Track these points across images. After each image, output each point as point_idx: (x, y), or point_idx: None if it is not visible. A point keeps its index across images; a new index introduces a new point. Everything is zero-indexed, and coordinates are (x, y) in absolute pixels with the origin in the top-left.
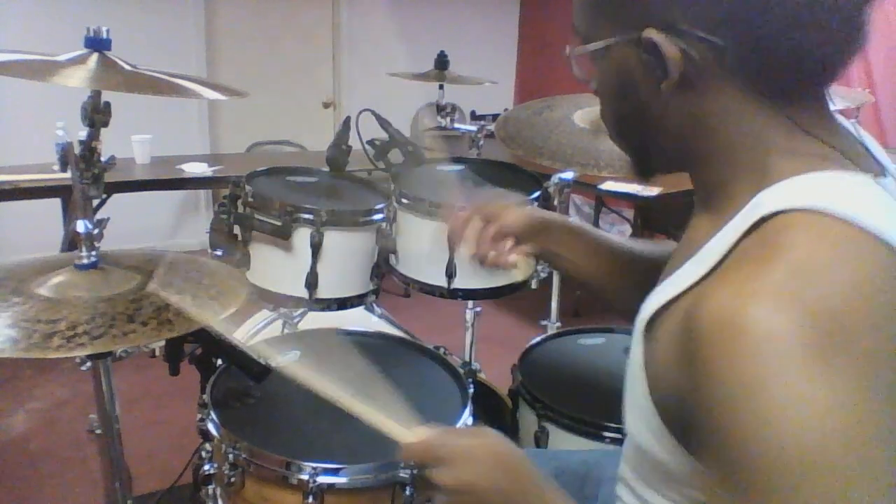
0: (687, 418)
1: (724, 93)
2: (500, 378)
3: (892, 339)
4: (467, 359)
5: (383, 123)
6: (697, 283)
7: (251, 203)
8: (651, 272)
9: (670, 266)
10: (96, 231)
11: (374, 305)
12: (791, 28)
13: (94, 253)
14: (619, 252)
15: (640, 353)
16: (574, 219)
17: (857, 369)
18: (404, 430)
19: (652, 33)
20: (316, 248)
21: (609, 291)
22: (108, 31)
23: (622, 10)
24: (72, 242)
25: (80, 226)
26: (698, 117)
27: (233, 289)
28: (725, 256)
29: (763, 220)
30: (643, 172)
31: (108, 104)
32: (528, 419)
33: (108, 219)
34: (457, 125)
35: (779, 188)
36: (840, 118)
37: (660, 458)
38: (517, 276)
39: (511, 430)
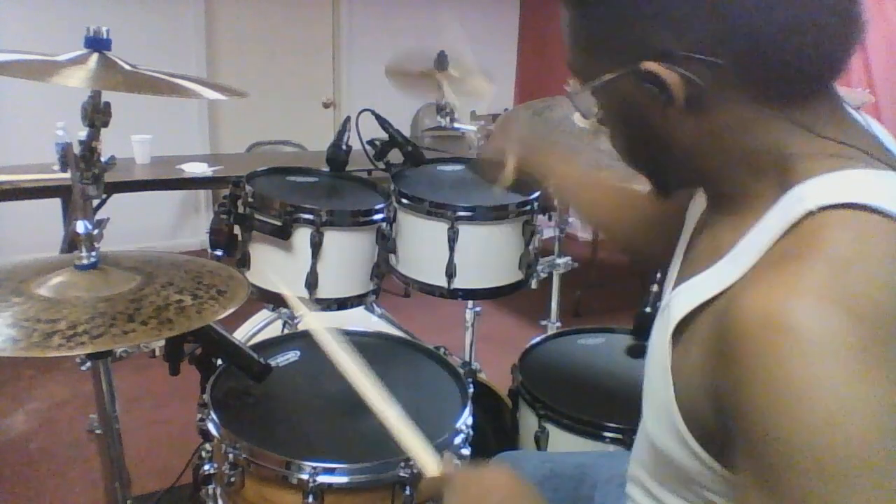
0: (716, 423)
1: (732, 107)
2: (500, 378)
3: None
4: (467, 359)
5: (383, 123)
6: (736, 283)
7: (251, 203)
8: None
9: (690, 269)
10: (96, 231)
11: (374, 305)
12: (788, 33)
13: (93, 253)
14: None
15: (666, 357)
16: (572, 219)
17: None
18: (431, 461)
19: (650, 65)
20: (316, 248)
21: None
22: (108, 31)
23: (616, 47)
24: (72, 243)
25: (80, 226)
26: (711, 134)
27: (232, 289)
28: (766, 255)
29: (808, 216)
30: (662, 191)
31: (108, 104)
32: (528, 419)
33: (108, 219)
34: (457, 125)
35: (813, 184)
36: (854, 115)
37: (679, 461)
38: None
39: (511, 430)
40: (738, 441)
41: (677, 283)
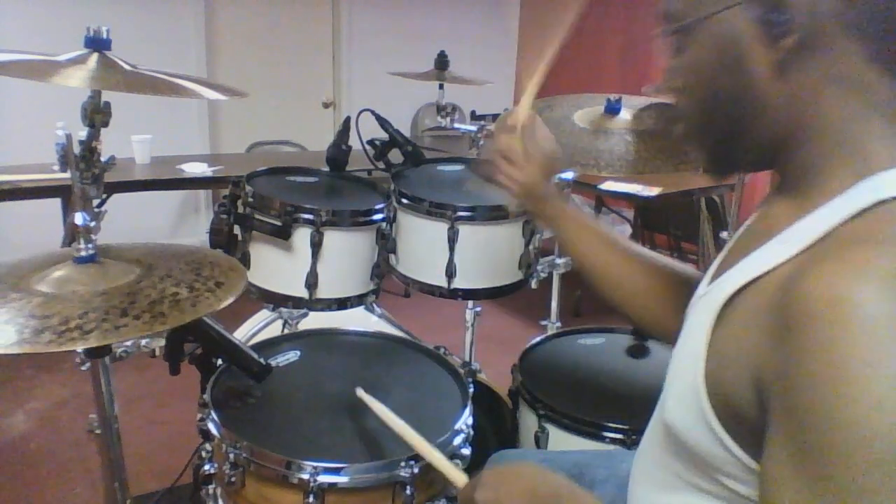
0: (749, 404)
1: (841, 58)
2: (500, 378)
3: None
4: (467, 359)
5: (383, 123)
6: (786, 263)
7: (251, 203)
8: (652, 275)
9: (739, 249)
10: (93, 224)
11: (374, 305)
12: None
13: (91, 245)
14: (622, 249)
15: (702, 338)
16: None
17: None
18: (459, 472)
19: None
20: (316, 248)
21: (601, 279)
22: (108, 30)
23: None
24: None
25: (79, 217)
26: (812, 88)
27: (231, 281)
28: (825, 237)
29: (879, 204)
30: (722, 168)
31: (108, 104)
32: (528, 419)
33: (106, 210)
34: (457, 125)
35: (891, 175)
36: None
37: (697, 445)
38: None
39: (511, 430)
40: (778, 419)
41: (720, 271)
